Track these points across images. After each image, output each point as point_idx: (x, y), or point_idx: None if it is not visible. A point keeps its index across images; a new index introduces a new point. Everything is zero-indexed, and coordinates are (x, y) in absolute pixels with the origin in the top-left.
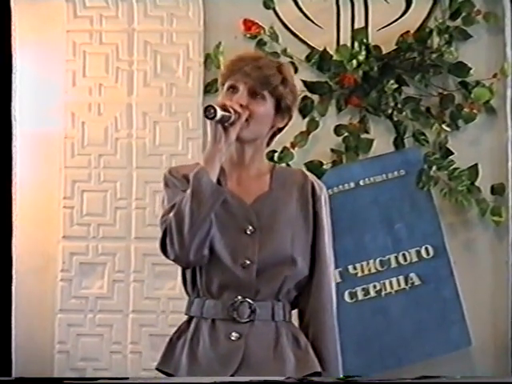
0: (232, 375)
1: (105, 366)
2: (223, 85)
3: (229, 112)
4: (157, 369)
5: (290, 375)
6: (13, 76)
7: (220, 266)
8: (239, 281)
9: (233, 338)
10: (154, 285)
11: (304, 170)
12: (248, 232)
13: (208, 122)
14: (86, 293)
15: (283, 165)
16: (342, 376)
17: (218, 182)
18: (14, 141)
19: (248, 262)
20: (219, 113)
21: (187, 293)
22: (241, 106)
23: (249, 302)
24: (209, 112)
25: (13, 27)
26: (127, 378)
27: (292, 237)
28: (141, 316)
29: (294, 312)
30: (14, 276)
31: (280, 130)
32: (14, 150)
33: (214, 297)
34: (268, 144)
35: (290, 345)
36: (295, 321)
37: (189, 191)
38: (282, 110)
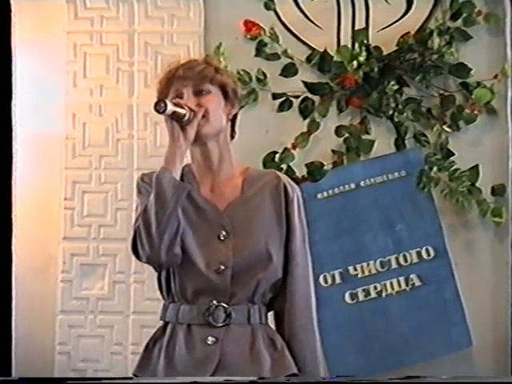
0: None
1: (105, 367)
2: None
3: (183, 109)
4: (134, 375)
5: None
6: (13, 77)
7: (194, 271)
8: (214, 286)
9: (209, 343)
10: (154, 286)
11: (304, 170)
12: (221, 237)
13: (165, 122)
14: (87, 294)
15: (290, 166)
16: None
17: (190, 191)
18: (15, 142)
19: (222, 267)
20: (170, 107)
21: (163, 297)
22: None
23: (224, 307)
24: (159, 106)
25: (13, 28)
26: (131, 378)
27: (266, 240)
28: (141, 317)
29: (270, 314)
30: (14, 277)
31: (234, 117)
32: (14, 150)
33: (189, 302)
34: (232, 136)
35: (266, 347)
36: (271, 323)
37: (153, 192)
38: (229, 96)
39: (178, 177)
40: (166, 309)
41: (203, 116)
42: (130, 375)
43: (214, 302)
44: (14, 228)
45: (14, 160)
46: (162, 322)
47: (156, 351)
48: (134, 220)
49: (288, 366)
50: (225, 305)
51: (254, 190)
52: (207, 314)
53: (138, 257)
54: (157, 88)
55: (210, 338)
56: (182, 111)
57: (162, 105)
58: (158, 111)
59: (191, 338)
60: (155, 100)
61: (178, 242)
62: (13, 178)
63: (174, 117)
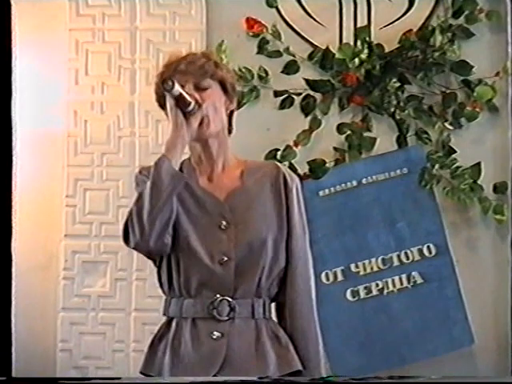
0: (215, 374)
1: (107, 364)
2: (163, 97)
3: (189, 97)
4: (141, 373)
5: (271, 373)
6: (15, 74)
7: (197, 263)
8: (218, 278)
9: (214, 337)
10: (156, 283)
11: (306, 167)
12: (222, 227)
13: (168, 110)
14: (89, 291)
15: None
16: (327, 375)
17: (188, 182)
18: (16, 139)
19: (225, 259)
20: (177, 87)
21: (164, 292)
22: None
23: (228, 300)
24: (167, 84)
25: (14, 25)
26: (119, 378)
27: (267, 229)
28: (143, 314)
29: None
30: (15, 275)
31: (232, 112)
32: (16, 148)
33: (192, 296)
34: (229, 131)
35: (271, 343)
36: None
37: (150, 179)
38: (228, 91)
39: (177, 166)
40: (168, 304)
41: (205, 116)
42: (132, 373)
43: (218, 295)
44: (15, 225)
45: (15, 158)
46: (164, 318)
47: (162, 347)
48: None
49: (293, 363)
50: (229, 298)
51: (253, 180)
52: (211, 307)
53: (127, 242)
54: (156, 81)
55: (215, 332)
56: (189, 98)
57: (170, 83)
58: (165, 89)
59: (197, 333)
60: (156, 98)
61: (168, 232)
62: (14, 175)
63: (180, 102)
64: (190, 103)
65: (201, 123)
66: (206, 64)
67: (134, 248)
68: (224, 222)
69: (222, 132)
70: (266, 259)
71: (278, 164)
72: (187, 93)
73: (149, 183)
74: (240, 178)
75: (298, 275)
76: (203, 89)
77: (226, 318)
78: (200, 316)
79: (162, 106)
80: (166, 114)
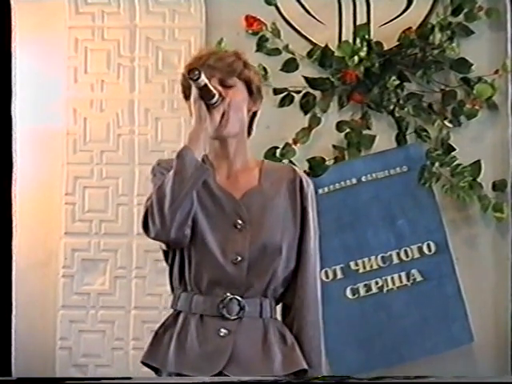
0: (220, 371)
1: (107, 362)
2: (189, 89)
3: (213, 89)
4: (142, 362)
5: (277, 372)
6: (14, 72)
7: (210, 260)
8: (230, 277)
9: (221, 334)
10: (155, 281)
11: (305, 165)
12: (238, 226)
13: (192, 102)
14: (88, 289)
15: (286, 161)
16: (324, 374)
17: (205, 178)
18: (16, 137)
19: (239, 259)
20: (203, 77)
21: (172, 287)
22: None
23: (238, 299)
24: (193, 74)
25: (14, 23)
26: (130, 378)
27: (281, 232)
28: (143, 312)
29: (278, 307)
30: (15, 272)
31: (254, 114)
32: (15, 146)
33: (203, 292)
34: (249, 133)
35: (277, 342)
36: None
37: (172, 169)
38: (253, 93)
39: (200, 158)
40: (177, 298)
41: (226, 112)
42: (131, 370)
43: (228, 294)
44: (15, 223)
45: (14, 155)
46: (165, 314)
47: (166, 340)
48: (147, 198)
49: (298, 362)
50: (239, 297)
51: (270, 182)
52: (221, 305)
53: (147, 232)
54: (182, 72)
55: (222, 329)
56: (213, 90)
57: (196, 72)
58: (191, 78)
59: (204, 329)
60: (157, 96)
61: (188, 224)
62: (14, 173)
63: (204, 94)
64: (214, 95)
65: (220, 119)
66: (234, 62)
67: (153, 238)
68: (240, 221)
69: (241, 132)
70: (279, 261)
71: (295, 168)
72: (212, 85)
73: (171, 173)
74: (257, 179)
75: (309, 279)
76: (228, 86)
77: (235, 316)
78: (209, 313)
79: (187, 97)
80: (189, 106)
